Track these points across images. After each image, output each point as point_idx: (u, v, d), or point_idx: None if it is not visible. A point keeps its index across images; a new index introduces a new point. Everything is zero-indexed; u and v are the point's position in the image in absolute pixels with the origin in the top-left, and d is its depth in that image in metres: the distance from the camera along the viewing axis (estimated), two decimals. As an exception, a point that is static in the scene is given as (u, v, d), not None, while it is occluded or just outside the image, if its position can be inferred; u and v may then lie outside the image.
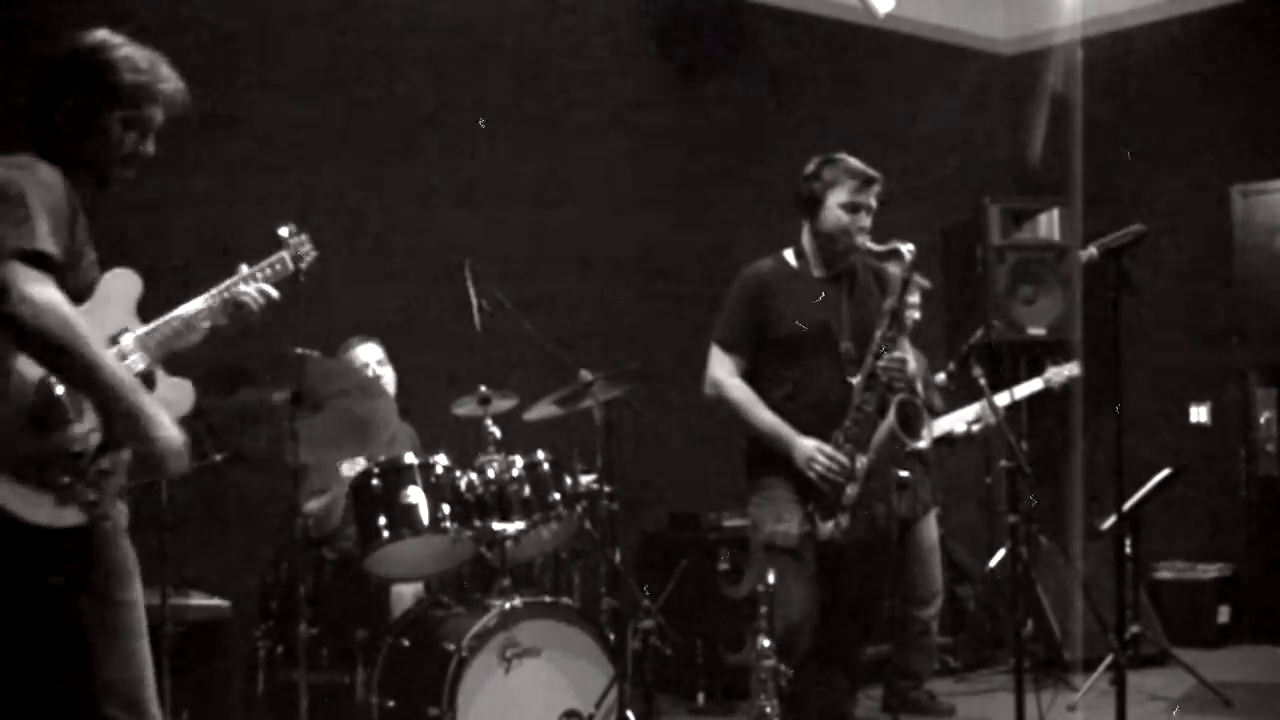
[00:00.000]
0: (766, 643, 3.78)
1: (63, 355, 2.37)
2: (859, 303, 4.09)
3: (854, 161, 4.07)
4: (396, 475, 4.44)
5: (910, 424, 3.89)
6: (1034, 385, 6.00)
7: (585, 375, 4.75)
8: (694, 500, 6.22)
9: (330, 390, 4.20)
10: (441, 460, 4.49)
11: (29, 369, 2.45)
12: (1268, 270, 7.06)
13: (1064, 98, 7.53)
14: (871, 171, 4.07)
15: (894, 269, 4.00)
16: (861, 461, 3.90)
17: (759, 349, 4.08)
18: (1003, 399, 5.13)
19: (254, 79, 5.38)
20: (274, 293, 3.03)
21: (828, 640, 4.01)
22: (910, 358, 4.07)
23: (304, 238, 3.24)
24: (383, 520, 4.37)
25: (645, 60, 6.71)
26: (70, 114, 2.64)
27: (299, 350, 3.99)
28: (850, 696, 4.29)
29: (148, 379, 2.68)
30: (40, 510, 2.43)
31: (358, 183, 5.71)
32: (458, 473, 4.46)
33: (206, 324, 2.89)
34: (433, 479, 4.43)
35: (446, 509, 4.40)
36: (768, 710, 3.77)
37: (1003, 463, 4.82)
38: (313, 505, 4.79)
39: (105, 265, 2.66)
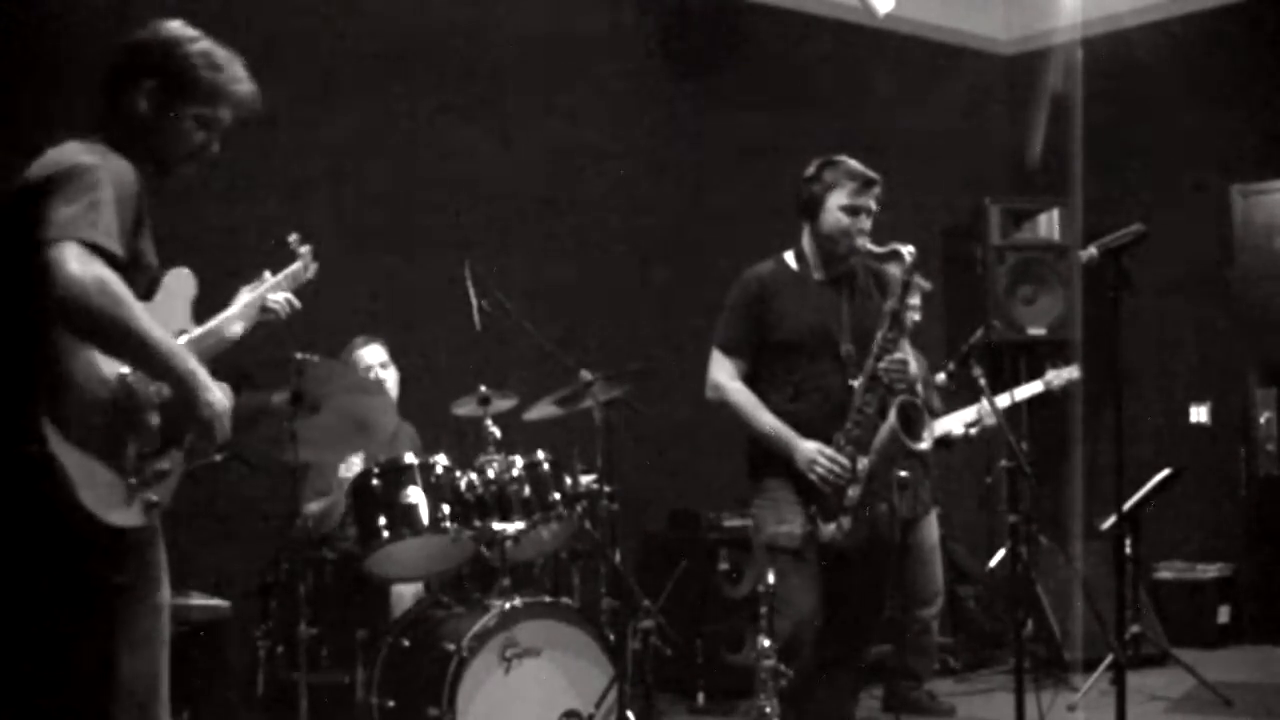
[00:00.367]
0: (766, 643, 3.79)
1: (113, 331, 2.36)
2: (859, 305, 4.09)
3: (854, 163, 4.07)
4: (396, 475, 4.44)
5: (911, 426, 3.89)
6: (1034, 388, 6.00)
7: (585, 375, 4.75)
8: (694, 500, 6.22)
9: (329, 391, 4.21)
10: (441, 460, 4.49)
11: (107, 366, 2.46)
12: (1268, 270, 7.07)
13: (1064, 98, 7.53)
14: (871, 173, 4.07)
15: (894, 270, 4.00)
16: (863, 463, 3.90)
17: (760, 352, 4.08)
18: (1003, 400, 5.14)
19: (253, 79, 5.37)
20: (297, 301, 3.10)
21: (830, 641, 4.01)
22: (911, 359, 4.07)
23: (308, 248, 3.27)
24: (383, 520, 4.37)
25: (645, 60, 6.71)
26: (144, 105, 2.62)
27: (298, 353, 3.99)
28: (852, 697, 4.29)
29: None
30: (112, 509, 2.44)
31: (358, 183, 5.71)
32: (458, 473, 4.46)
33: (239, 330, 2.92)
34: (433, 479, 4.43)
35: (446, 509, 4.40)
36: (768, 710, 3.77)
37: (1003, 463, 4.83)
38: (313, 506, 4.80)
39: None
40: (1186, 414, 7.38)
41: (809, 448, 3.93)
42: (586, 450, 4.94)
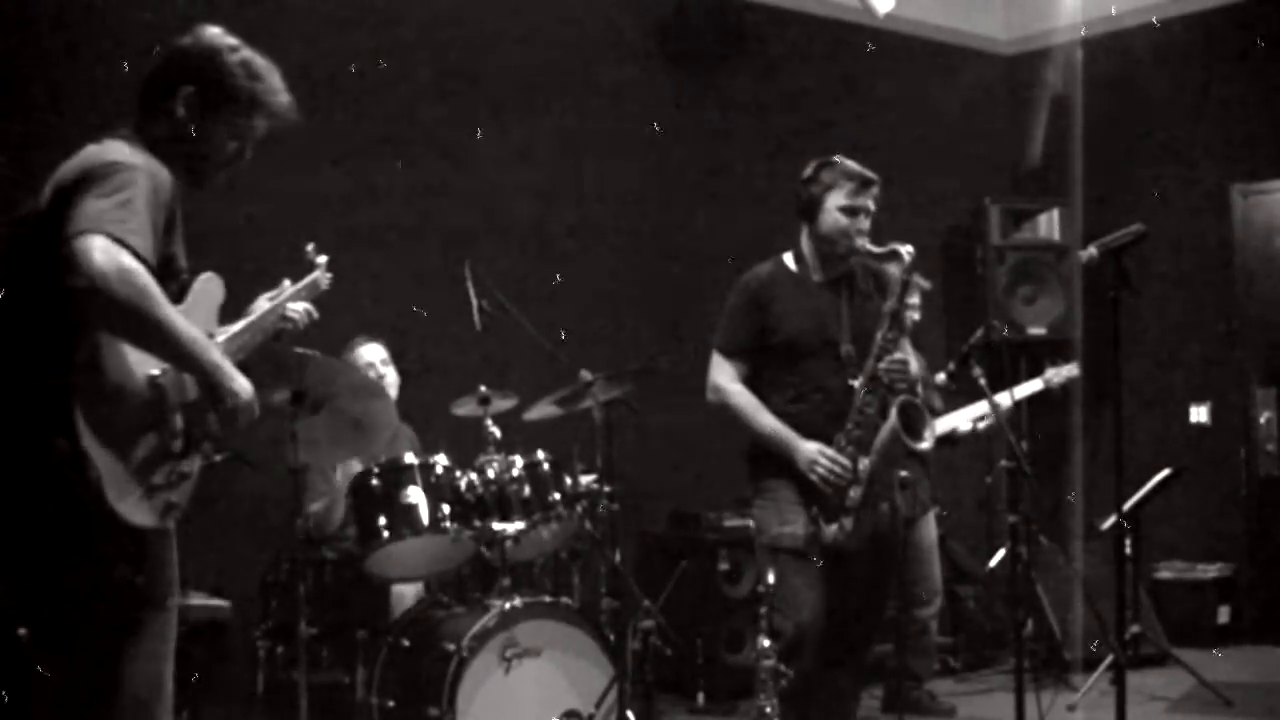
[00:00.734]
0: (766, 643, 3.79)
1: (137, 320, 2.37)
2: (859, 305, 4.08)
3: (851, 164, 4.07)
4: (396, 475, 4.44)
5: (912, 426, 3.89)
6: (1034, 386, 6.01)
7: (585, 375, 4.75)
8: (694, 500, 6.22)
9: (330, 390, 4.21)
10: (441, 460, 4.49)
11: (139, 366, 2.47)
12: (1268, 270, 7.07)
13: (1064, 98, 7.53)
14: (869, 173, 4.06)
15: (893, 270, 4.00)
16: (864, 464, 3.90)
17: (760, 354, 4.08)
18: (1002, 399, 5.13)
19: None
20: (316, 311, 3.15)
21: (833, 641, 4.01)
22: (911, 359, 4.07)
23: (324, 259, 3.33)
24: (383, 520, 4.38)
25: (645, 60, 6.71)
26: (182, 111, 2.63)
27: (299, 350, 3.99)
28: (853, 697, 4.29)
29: None
30: (135, 508, 2.45)
31: (358, 183, 5.71)
32: (458, 473, 4.47)
33: (260, 337, 2.95)
34: (433, 479, 4.43)
35: (446, 509, 4.40)
36: (768, 710, 3.77)
37: (1003, 463, 4.83)
38: (314, 506, 4.80)
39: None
40: (1186, 414, 7.38)
41: (810, 449, 3.93)
42: (586, 450, 4.93)
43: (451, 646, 4.12)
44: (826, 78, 7.22)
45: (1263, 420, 7.02)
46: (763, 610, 3.80)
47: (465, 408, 4.82)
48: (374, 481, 4.44)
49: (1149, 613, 6.43)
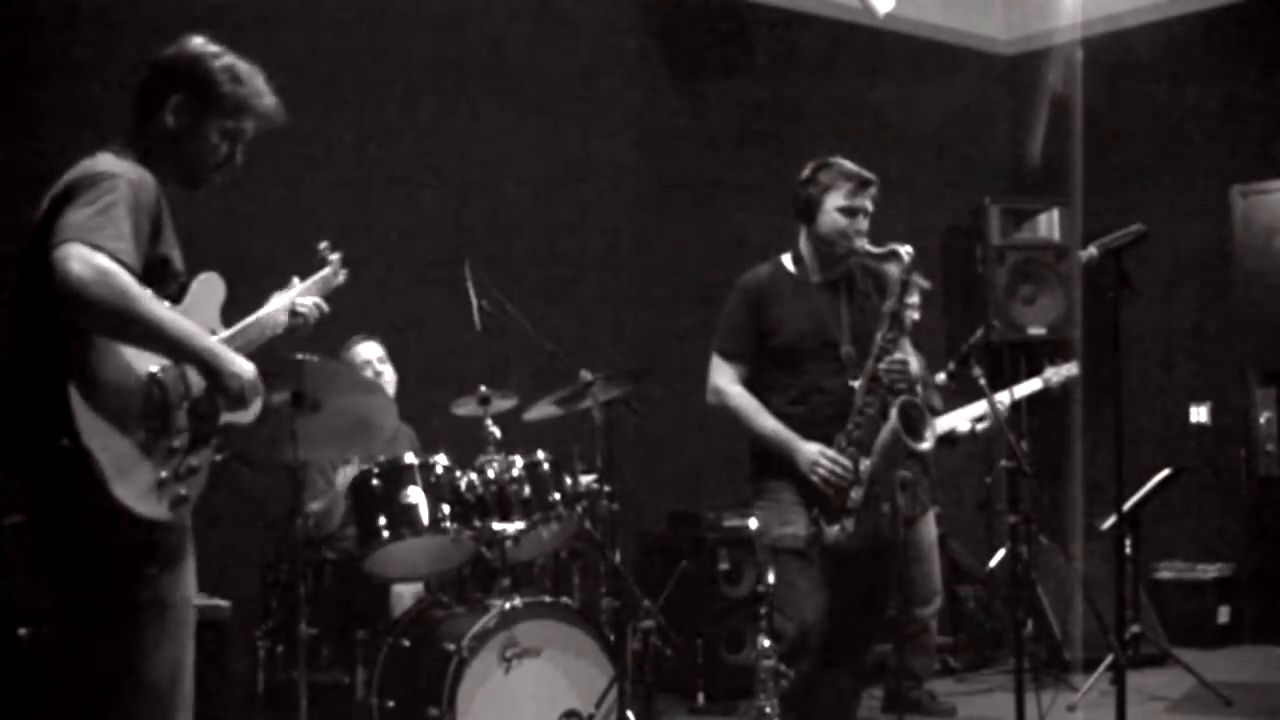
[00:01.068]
0: (766, 643, 3.78)
1: (120, 319, 2.43)
2: (858, 306, 4.08)
3: (849, 164, 4.06)
4: (396, 475, 4.44)
5: (913, 426, 3.89)
6: (1033, 385, 6.00)
7: (585, 375, 4.75)
8: (694, 500, 6.22)
9: (330, 390, 4.20)
10: (441, 460, 4.49)
11: (138, 363, 2.52)
12: (1268, 270, 7.06)
13: (1064, 98, 7.53)
14: (867, 174, 4.06)
15: (892, 270, 4.00)
16: (865, 465, 3.90)
17: (760, 356, 4.08)
18: (1002, 399, 5.13)
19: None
20: (325, 306, 3.18)
21: (834, 641, 4.00)
22: (911, 359, 4.07)
23: (338, 255, 3.37)
24: (383, 520, 4.38)
25: (645, 60, 6.71)
26: (172, 119, 2.72)
27: (298, 356, 3.99)
28: (854, 697, 4.29)
29: None
30: (143, 502, 2.49)
31: (358, 182, 5.71)
32: (458, 473, 4.46)
33: (270, 332, 2.98)
34: (433, 479, 4.43)
35: (446, 509, 4.40)
36: (768, 710, 3.77)
37: (1003, 463, 4.83)
38: (315, 506, 4.80)
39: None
40: (1186, 414, 7.38)
41: (811, 450, 3.93)
42: (586, 450, 4.93)
43: (451, 646, 4.12)
44: (826, 78, 7.22)
45: (1263, 420, 7.01)
46: (763, 610, 3.80)
47: (465, 408, 4.82)
48: (374, 481, 4.43)
49: (1149, 613, 6.43)
